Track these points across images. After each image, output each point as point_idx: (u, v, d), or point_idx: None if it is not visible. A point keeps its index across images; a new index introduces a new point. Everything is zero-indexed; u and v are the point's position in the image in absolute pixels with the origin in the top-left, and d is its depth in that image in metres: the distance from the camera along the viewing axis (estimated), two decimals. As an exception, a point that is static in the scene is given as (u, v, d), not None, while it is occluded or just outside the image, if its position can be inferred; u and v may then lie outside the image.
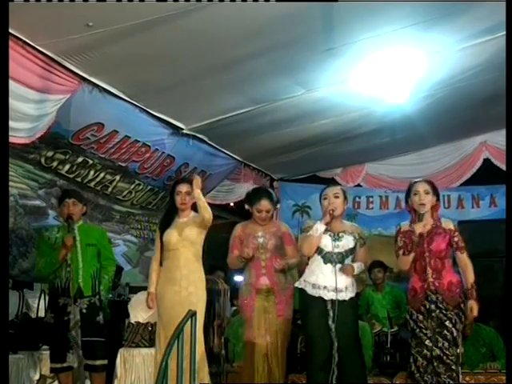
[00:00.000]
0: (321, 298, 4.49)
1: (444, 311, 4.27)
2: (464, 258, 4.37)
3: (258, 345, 4.82)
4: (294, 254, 4.94)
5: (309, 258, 4.65)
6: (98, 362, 4.86)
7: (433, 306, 4.28)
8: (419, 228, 4.35)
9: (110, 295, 5.58)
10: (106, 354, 4.99)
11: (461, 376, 4.69)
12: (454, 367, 4.27)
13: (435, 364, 4.22)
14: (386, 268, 6.68)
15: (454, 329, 4.25)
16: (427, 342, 4.26)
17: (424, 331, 4.28)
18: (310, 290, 4.53)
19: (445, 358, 4.22)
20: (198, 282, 4.75)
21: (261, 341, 4.82)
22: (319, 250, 4.55)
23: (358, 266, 4.55)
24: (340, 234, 4.55)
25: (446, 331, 4.24)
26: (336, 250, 4.52)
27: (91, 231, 5.13)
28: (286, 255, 4.94)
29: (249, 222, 5.08)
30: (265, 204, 4.97)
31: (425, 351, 4.26)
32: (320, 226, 4.48)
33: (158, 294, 4.80)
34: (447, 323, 4.25)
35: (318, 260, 4.56)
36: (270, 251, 4.93)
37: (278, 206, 5.15)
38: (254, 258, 4.92)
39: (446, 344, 4.23)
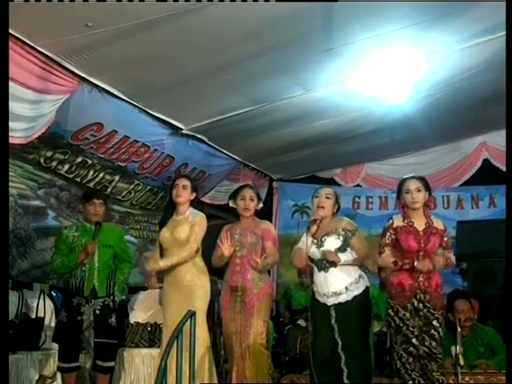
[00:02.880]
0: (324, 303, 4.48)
1: (432, 310, 4.26)
2: (450, 256, 4.35)
3: (233, 345, 4.78)
4: (271, 250, 4.85)
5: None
6: (107, 364, 4.86)
7: (421, 305, 4.27)
8: (420, 225, 4.32)
9: (124, 297, 5.57)
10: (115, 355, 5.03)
11: (460, 376, 4.71)
12: (444, 364, 4.31)
13: (424, 362, 4.22)
14: None
15: (440, 328, 4.26)
16: (414, 340, 4.24)
17: (411, 329, 4.26)
18: (316, 296, 4.53)
19: (434, 356, 4.22)
20: (198, 281, 4.71)
21: (235, 341, 4.78)
22: (312, 260, 4.53)
23: (346, 255, 4.42)
24: (322, 239, 4.46)
25: (433, 330, 4.24)
26: (323, 256, 4.46)
27: (110, 232, 5.10)
28: (265, 252, 4.86)
29: (235, 222, 5.04)
30: (247, 191, 4.95)
31: (411, 348, 4.25)
32: (306, 238, 4.43)
33: (162, 298, 4.82)
34: (435, 322, 4.25)
35: (315, 269, 4.54)
36: (246, 248, 4.84)
37: (261, 205, 5.03)
38: (232, 256, 4.87)
39: (434, 343, 4.23)
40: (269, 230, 4.98)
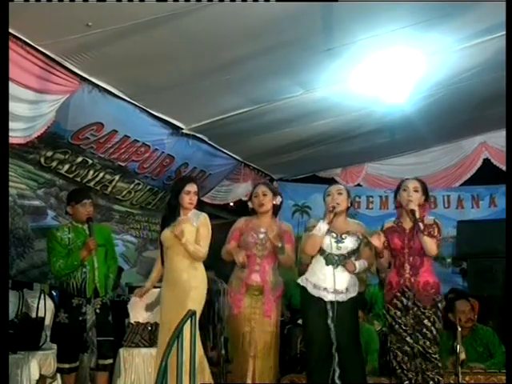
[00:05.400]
0: (321, 299, 4.49)
1: (422, 309, 4.27)
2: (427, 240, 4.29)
3: (245, 345, 4.76)
4: (290, 253, 4.88)
5: (312, 257, 4.64)
6: (107, 361, 4.89)
7: (410, 303, 4.29)
8: (407, 224, 4.37)
9: (124, 296, 5.60)
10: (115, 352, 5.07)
11: (460, 376, 4.71)
12: (440, 364, 4.30)
13: (419, 361, 4.23)
14: None
15: (433, 327, 4.26)
16: (408, 338, 4.27)
17: (403, 327, 4.29)
18: (310, 289, 4.54)
19: (428, 355, 4.22)
20: (196, 280, 4.69)
21: (247, 341, 4.76)
22: (322, 251, 4.54)
23: (360, 264, 4.52)
24: (343, 236, 4.53)
25: (425, 329, 4.25)
26: (338, 252, 4.51)
27: (101, 231, 5.13)
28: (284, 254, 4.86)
29: (254, 217, 5.02)
30: (260, 187, 4.97)
31: (405, 347, 4.27)
32: (323, 225, 4.48)
33: (160, 297, 4.81)
34: (426, 322, 4.26)
35: (320, 261, 4.56)
36: (268, 249, 4.86)
37: (279, 199, 5.02)
38: (251, 254, 4.85)
39: (428, 343, 4.23)
40: (290, 232, 4.97)
